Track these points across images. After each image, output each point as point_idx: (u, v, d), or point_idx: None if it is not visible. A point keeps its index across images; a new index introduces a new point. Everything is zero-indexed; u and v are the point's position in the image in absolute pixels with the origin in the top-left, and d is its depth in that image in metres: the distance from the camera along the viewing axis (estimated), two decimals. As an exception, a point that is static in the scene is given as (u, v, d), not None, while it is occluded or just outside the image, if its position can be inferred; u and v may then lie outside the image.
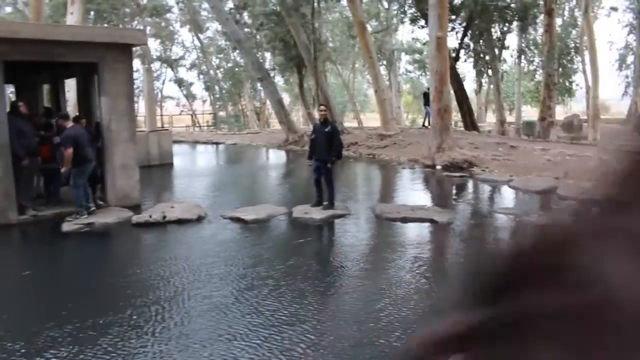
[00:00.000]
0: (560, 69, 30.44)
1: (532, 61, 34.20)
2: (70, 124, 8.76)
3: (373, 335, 4.37)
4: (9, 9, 32.49)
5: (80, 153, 8.43)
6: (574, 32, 34.42)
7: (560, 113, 37.05)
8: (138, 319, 4.73)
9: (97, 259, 7.15)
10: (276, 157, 19.54)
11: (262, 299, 5.18)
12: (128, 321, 4.69)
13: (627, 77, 41.89)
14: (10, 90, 22.91)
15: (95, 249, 7.69)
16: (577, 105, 50.54)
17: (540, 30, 28.32)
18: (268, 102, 31.94)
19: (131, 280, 5.81)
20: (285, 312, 4.84)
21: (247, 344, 4.22)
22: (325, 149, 8.83)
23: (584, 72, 32.63)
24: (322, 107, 9.17)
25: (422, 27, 23.25)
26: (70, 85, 16.11)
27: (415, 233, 7.96)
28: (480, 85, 29.11)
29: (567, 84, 34.32)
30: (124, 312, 4.87)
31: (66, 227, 8.18)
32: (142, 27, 32.82)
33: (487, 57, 26.69)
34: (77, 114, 11.21)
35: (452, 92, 18.79)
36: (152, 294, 5.36)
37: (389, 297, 5.20)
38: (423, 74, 39.39)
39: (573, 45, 34.09)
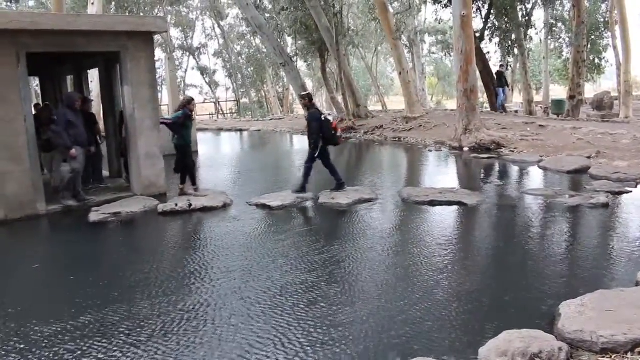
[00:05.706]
0: (589, 46, 29.58)
1: (559, 38, 33.27)
2: None
3: (404, 310, 4.26)
4: (31, 3, 32.90)
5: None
6: (603, 6, 33.36)
7: (589, 91, 36.16)
8: (167, 307, 4.69)
9: (122, 248, 7.15)
10: (300, 143, 19.41)
11: (287, 285, 5.09)
12: (151, 310, 4.66)
13: (659, 51, 40.56)
14: (35, 83, 23.24)
15: (122, 238, 7.69)
16: (606, 83, 49.30)
17: (568, 5, 27.54)
18: (291, 87, 31.77)
19: (153, 269, 5.78)
20: (319, 292, 4.76)
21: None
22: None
23: (614, 47, 31.64)
24: (300, 99, 9.22)
25: (446, 6, 22.74)
26: (94, 76, 16.23)
27: (444, 216, 7.79)
28: (506, 64, 28.44)
29: (596, 60, 33.34)
30: (148, 302, 4.85)
31: (93, 217, 8.22)
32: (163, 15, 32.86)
33: (513, 36, 26.02)
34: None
35: (477, 72, 18.40)
36: (176, 282, 5.32)
37: (419, 280, 5.07)
38: (447, 54, 38.71)
39: (602, 20, 33.07)
